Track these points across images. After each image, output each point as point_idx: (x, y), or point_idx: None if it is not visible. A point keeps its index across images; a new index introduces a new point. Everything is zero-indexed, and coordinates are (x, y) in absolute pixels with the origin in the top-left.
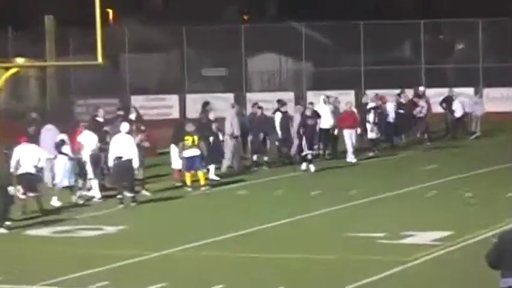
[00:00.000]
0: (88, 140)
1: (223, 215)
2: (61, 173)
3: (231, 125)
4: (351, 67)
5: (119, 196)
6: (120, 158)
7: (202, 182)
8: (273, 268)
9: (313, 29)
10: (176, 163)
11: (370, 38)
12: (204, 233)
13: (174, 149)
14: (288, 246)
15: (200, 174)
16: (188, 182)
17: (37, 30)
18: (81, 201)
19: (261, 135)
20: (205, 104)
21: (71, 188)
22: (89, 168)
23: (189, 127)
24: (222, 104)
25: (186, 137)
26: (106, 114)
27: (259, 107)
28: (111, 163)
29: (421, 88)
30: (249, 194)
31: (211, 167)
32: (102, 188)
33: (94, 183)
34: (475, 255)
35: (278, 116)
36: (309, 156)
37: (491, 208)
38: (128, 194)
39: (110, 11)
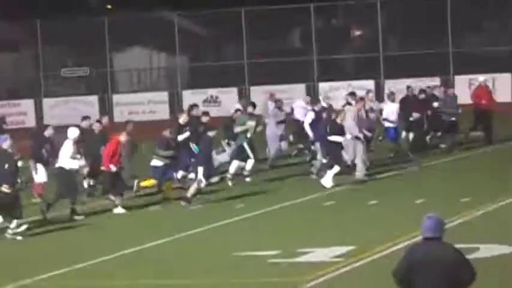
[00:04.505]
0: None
1: (92, 238)
2: None
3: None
4: (232, 61)
5: None
6: None
7: None
8: None
9: (188, 19)
10: (41, 176)
11: (254, 27)
12: (75, 258)
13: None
14: (164, 270)
15: None
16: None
17: None
18: None
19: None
20: (192, 106)
21: None
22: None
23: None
24: (86, 108)
25: None
26: None
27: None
28: None
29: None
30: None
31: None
32: None
33: None
34: (382, 271)
35: (310, 116)
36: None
37: (400, 217)
38: None
39: None
